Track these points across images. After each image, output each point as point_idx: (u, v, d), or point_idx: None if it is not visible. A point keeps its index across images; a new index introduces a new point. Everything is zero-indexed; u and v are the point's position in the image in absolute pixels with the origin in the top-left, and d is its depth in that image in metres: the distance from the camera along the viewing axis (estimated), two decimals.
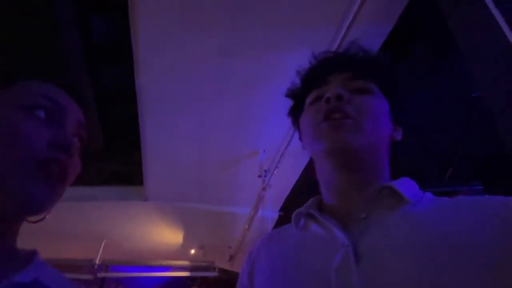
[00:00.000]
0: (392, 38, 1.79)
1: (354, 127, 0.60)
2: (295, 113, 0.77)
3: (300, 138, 0.75)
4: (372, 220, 0.56)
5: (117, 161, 3.36)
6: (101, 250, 4.09)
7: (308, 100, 0.70)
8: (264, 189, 2.59)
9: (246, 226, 3.26)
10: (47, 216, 0.56)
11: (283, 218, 3.23)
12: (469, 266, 0.45)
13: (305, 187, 2.70)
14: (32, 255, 0.54)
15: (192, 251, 4.38)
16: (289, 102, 0.80)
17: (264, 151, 2.53)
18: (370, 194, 0.59)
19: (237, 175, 2.85)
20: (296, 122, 0.77)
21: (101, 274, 4.52)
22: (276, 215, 3.21)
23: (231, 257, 3.92)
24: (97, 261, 4.21)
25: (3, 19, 1.85)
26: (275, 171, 2.52)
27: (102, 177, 3.41)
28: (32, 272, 0.50)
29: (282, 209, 3.24)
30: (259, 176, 2.54)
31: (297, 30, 1.80)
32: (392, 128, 0.67)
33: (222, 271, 4.62)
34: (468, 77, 1.47)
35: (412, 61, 1.78)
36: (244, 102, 2.20)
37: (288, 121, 0.83)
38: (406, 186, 0.60)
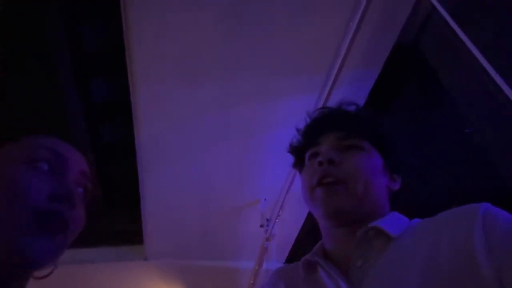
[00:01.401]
0: (382, 81, 1.87)
1: (344, 191, 0.65)
2: (298, 166, 0.82)
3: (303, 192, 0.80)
4: (367, 267, 0.59)
5: (116, 220, 3.30)
6: None
7: (307, 156, 0.76)
8: (267, 239, 2.52)
9: (252, 282, 3.12)
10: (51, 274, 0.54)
11: None
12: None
13: (310, 236, 2.64)
14: None
15: None
16: (288, 150, 0.85)
17: (265, 199, 2.50)
18: (360, 238, 0.62)
19: (239, 226, 2.80)
20: (300, 173, 0.82)
21: None
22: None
23: None
24: None
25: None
26: (277, 220, 2.48)
27: (100, 237, 3.32)
28: None
29: (287, 260, 3.12)
30: (261, 226, 2.49)
31: (291, 78, 1.89)
32: (388, 179, 0.72)
33: None
34: (458, 113, 1.52)
35: (402, 103, 1.84)
36: (243, 150, 2.23)
37: (287, 168, 0.87)
38: (390, 222, 0.64)
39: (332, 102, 1.84)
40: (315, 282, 0.66)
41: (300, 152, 0.79)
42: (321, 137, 0.73)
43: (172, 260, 3.23)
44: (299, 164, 0.81)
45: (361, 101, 1.97)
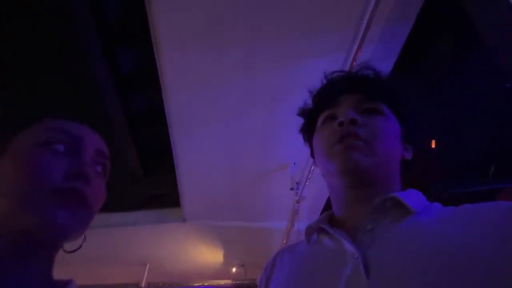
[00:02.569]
0: (414, 36, 1.75)
1: (365, 148, 0.62)
2: (307, 131, 0.79)
3: (312, 155, 0.78)
4: (378, 231, 0.57)
5: (154, 185, 3.47)
6: (145, 273, 4.20)
7: (320, 119, 0.72)
8: (297, 201, 2.57)
9: (284, 241, 3.22)
10: (84, 244, 0.58)
11: None
12: (471, 275, 0.45)
13: None
14: (67, 284, 0.55)
15: (234, 270, 4.38)
16: (298, 113, 0.82)
17: (294, 163, 2.52)
18: (375, 206, 0.60)
19: (270, 189, 2.85)
20: (308, 140, 0.79)
21: None
22: None
23: None
24: (142, 285, 4.31)
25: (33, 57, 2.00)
26: (307, 183, 2.50)
27: (141, 202, 3.52)
28: None
29: None
30: (291, 189, 2.53)
31: (317, 37, 1.81)
32: (402, 148, 0.69)
33: None
34: (498, 67, 1.41)
35: (436, 57, 1.73)
36: (271, 115, 2.22)
37: None
38: (410, 196, 0.61)
39: (361, 61, 1.78)
40: (318, 246, 0.65)
41: (313, 115, 0.75)
42: (339, 98, 0.69)
43: (208, 221, 3.38)
44: (309, 128, 0.76)
45: (393, 59, 1.87)
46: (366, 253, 0.54)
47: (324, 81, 0.77)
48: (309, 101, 0.79)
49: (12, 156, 0.53)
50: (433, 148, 2.03)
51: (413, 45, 1.76)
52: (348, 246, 0.56)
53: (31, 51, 2.00)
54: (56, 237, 0.52)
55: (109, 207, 3.17)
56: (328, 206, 2.99)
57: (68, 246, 0.57)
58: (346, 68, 1.80)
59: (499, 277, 0.44)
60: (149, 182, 3.41)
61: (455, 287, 0.45)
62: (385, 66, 1.89)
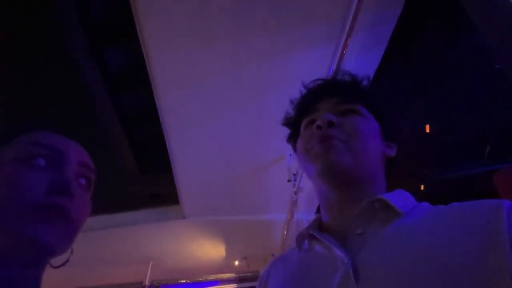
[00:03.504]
0: (403, 22, 1.75)
1: (343, 148, 0.63)
2: (293, 140, 0.80)
3: (299, 159, 0.79)
4: (367, 236, 0.57)
5: (152, 183, 3.47)
6: (149, 271, 4.22)
7: (302, 126, 0.74)
8: (295, 193, 2.58)
9: (285, 232, 3.25)
10: (71, 252, 0.56)
11: None
12: (454, 280, 0.46)
13: None
14: None
15: (236, 263, 4.42)
16: (282, 123, 0.84)
17: (290, 154, 2.52)
18: (364, 208, 0.60)
19: (267, 182, 2.86)
20: (294, 147, 0.80)
21: None
22: (312, 217, 3.17)
23: None
24: (146, 283, 4.33)
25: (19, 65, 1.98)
26: (303, 174, 2.51)
27: (140, 201, 3.52)
28: None
29: (318, 210, 3.20)
30: (288, 181, 2.54)
31: (306, 29, 1.81)
32: (384, 146, 0.70)
33: None
34: (487, 49, 1.41)
35: (426, 43, 1.73)
36: (264, 107, 2.22)
37: None
38: (398, 198, 0.62)
39: (350, 51, 1.79)
40: (309, 254, 0.65)
41: (295, 123, 0.77)
42: (318, 104, 0.72)
43: (208, 217, 3.39)
44: (294, 136, 0.78)
45: (382, 47, 1.87)
46: (355, 259, 0.54)
47: (303, 90, 0.79)
48: (291, 110, 0.81)
49: None
50: (427, 132, 2.04)
51: (402, 32, 1.76)
52: (338, 252, 0.57)
53: (16, 55, 1.98)
54: (39, 255, 0.51)
55: (108, 208, 3.18)
56: None
57: (56, 260, 0.55)
58: (337, 56, 1.80)
59: (479, 282, 0.45)
60: (147, 181, 3.42)
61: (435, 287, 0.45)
62: (375, 53, 1.90)
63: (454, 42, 1.60)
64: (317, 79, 0.79)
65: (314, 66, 1.87)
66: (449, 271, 0.46)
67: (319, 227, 0.68)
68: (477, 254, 0.46)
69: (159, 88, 1.99)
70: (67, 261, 0.56)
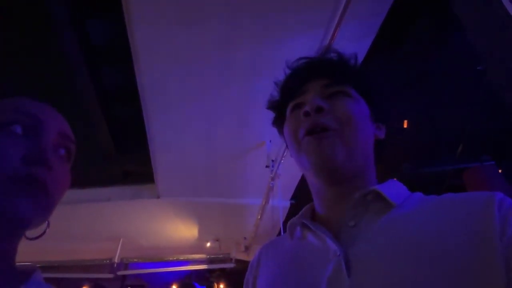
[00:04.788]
0: (392, 15, 1.76)
1: (336, 140, 0.60)
2: (278, 124, 0.76)
3: (287, 146, 0.75)
4: (361, 227, 0.57)
5: (128, 161, 3.41)
6: (119, 248, 4.18)
7: (288, 110, 0.70)
8: (272, 179, 2.60)
9: (259, 217, 3.28)
10: (48, 228, 0.55)
11: (295, 206, 3.25)
12: (446, 271, 0.46)
13: None
14: (30, 273, 0.52)
15: (208, 244, 4.44)
16: (266, 106, 0.80)
17: (270, 141, 2.53)
18: (356, 201, 0.59)
19: (245, 166, 2.86)
20: (280, 132, 0.77)
21: (121, 272, 4.62)
22: (287, 204, 3.21)
23: (247, 248, 3.97)
24: (116, 260, 4.30)
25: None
26: (282, 161, 2.53)
27: (114, 178, 3.46)
28: None
29: (293, 197, 3.24)
30: (266, 167, 2.55)
31: (296, 14, 1.78)
32: (374, 128, 0.68)
33: (239, 262, 4.67)
34: (472, 50, 1.44)
35: (414, 37, 1.75)
36: (247, 93, 2.19)
37: None
38: (391, 189, 0.60)
39: (339, 39, 1.79)
40: (301, 243, 0.64)
41: (281, 106, 0.73)
42: (305, 86, 0.67)
43: (183, 197, 3.37)
44: (279, 120, 0.74)
45: (371, 36, 1.87)
46: (348, 251, 0.54)
47: (288, 71, 0.75)
48: (276, 93, 0.76)
49: None
50: (405, 128, 2.09)
51: (391, 24, 1.77)
52: (331, 244, 0.56)
53: None
54: (15, 227, 0.49)
55: (82, 182, 3.10)
56: (302, 183, 3.06)
57: (31, 232, 0.53)
58: (325, 43, 1.80)
59: (472, 272, 0.45)
60: (123, 158, 3.35)
61: (432, 283, 0.46)
62: (363, 44, 1.90)
63: (441, 40, 1.63)
64: (303, 58, 0.74)
65: (302, 53, 1.85)
66: (441, 263, 0.47)
67: (312, 216, 0.67)
68: (469, 246, 0.47)
69: (141, 64, 1.92)
70: (43, 233, 0.55)
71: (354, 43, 1.91)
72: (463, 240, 0.48)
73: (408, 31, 1.78)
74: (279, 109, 0.74)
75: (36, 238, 0.54)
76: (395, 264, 0.49)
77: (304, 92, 0.67)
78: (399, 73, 1.83)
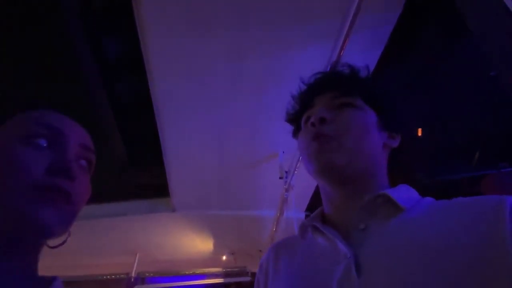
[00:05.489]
0: (401, 24, 1.76)
1: (336, 147, 0.64)
2: (296, 135, 0.81)
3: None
4: (370, 231, 0.59)
5: (143, 175, 3.44)
6: (136, 263, 4.20)
7: (302, 122, 0.75)
8: (286, 190, 2.59)
9: (274, 229, 3.26)
10: (70, 238, 0.56)
11: None
12: (458, 272, 0.46)
13: None
14: (51, 282, 0.54)
15: (224, 258, 4.42)
16: (285, 120, 0.85)
17: (283, 152, 2.52)
18: (366, 204, 0.61)
19: (259, 178, 2.86)
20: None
21: (138, 287, 4.63)
22: (302, 216, 3.19)
23: None
24: (133, 274, 4.31)
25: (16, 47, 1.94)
26: (295, 172, 2.51)
27: (129, 192, 3.50)
28: None
29: (308, 209, 3.21)
30: (280, 178, 2.54)
31: (305, 25, 1.80)
32: (386, 137, 0.70)
33: (255, 275, 4.63)
34: (484, 55, 1.43)
35: (424, 46, 1.74)
36: (260, 103, 2.20)
37: None
38: (401, 193, 0.62)
39: (349, 50, 1.80)
40: (312, 245, 0.66)
41: (297, 119, 0.78)
42: (315, 99, 0.73)
43: (198, 210, 3.38)
44: (297, 131, 0.79)
45: (380, 47, 1.88)
46: (358, 253, 0.55)
47: (303, 86, 0.80)
48: (291, 106, 0.82)
49: None
50: (419, 136, 2.06)
51: (400, 34, 1.77)
52: (342, 246, 0.57)
53: (12, 36, 1.93)
54: (39, 236, 0.50)
55: (98, 198, 3.14)
56: (316, 194, 3.04)
57: (52, 240, 0.55)
58: (335, 55, 1.81)
59: (480, 277, 0.45)
60: (137, 172, 3.38)
61: (442, 286, 0.46)
62: (373, 54, 1.90)
63: (452, 48, 1.61)
64: (316, 73, 0.79)
65: (313, 64, 1.86)
66: (450, 266, 0.47)
67: (322, 218, 0.69)
68: (479, 250, 0.47)
69: (154, 76, 1.96)
70: (64, 242, 0.56)
71: (365, 52, 1.92)
72: (474, 245, 0.48)
73: (418, 38, 1.77)
74: (295, 121, 0.80)
75: (58, 246, 0.56)
76: (405, 267, 0.50)
77: (314, 105, 0.73)
78: (411, 80, 1.82)
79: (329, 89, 0.72)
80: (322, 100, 0.72)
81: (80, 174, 0.55)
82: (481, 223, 0.50)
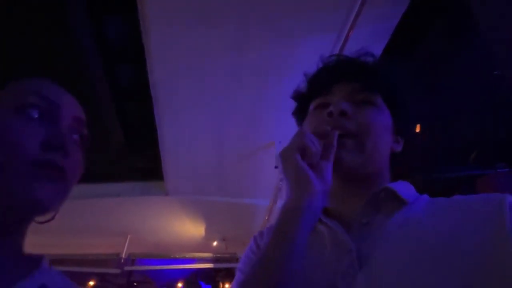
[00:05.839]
0: (407, 19, 1.74)
1: (354, 146, 0.61)
2: (299, 115, 0.77)
3: None
4: (373, 225, 0.58)
5: (138, 157, 3.44)
6: (126, 244, 4.22)
7: (312, 105, 0.70)
8: (281, 180, 2.59)
9: (266, 217, 3.28)
10: (60, 215, 0.55)
11: None
12: (458, 271, 0.46)
13: None
14: (39, 260, 0.53)
15: (215, 243, 4.46)
16: (291, 96, 0.79)
17: (279, 142, 2.52)
18: (370, 198, 0.60)
19: (254, 167, 2.86)
20: (299, 123, 0.77)
21: (127, 268, 4.67)
22: None
23: None
24: (123, 255, 4.34)
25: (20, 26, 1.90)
26: None
27: (124, 174, 3.49)
28: (38, 278, 0.49)
29: None
30: (275, 167, 2.54)
31: (307, 17, 1.78)
32: (393, 140, 0.68)
33: None
34: (489, 55, 1.42)
35: (428, 42, 1.72)
36: (257, 93, 2.19)
37: None
38: (403, 188, 0.62)
39: (352, 43, 1.77)
40: (315, 235, 0.63)
41: (306, 99, 0.73)
42: (334, 86, 0.67)
43: (191, 195, 3.39)
44: (301, 112, 0.74)
45: (384, 41, 1.86)
46: (361, 246, 0.55)
47: (320, 65, 0.73)
48: (303, 84, 0.75)
49: None
50: (417, 132, 2.06)
51: (405, 29, 1.75)
52: (345, 238, 0.57)
53: (13, 13, 1.89)
54: (33, 212, 0.50)
55: (92, 177, 3.14)
56: None
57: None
58: (337, 49, 1.79)
59: (486, 272, 0.45)
60: (133, 155, 3.38)
61: (445, 282, 0.46)
62: (375, 48, 1.89)
63: (456, 45, 1.60)
64: (336, 55, 0.74)
65: (315, 56, 1.84)
66: (453, 262, 0.47)
67: (324, 210, 0.67)
68: (481, 246, 0.47)
69: (153, 63, 1.93)
70: (52, 217, 0.55)
71: (367, 46, 1.90)
72: (476, 241, 0.48)
73: (422, 34, 1.75)
74: (303, 101, 0.74)
75: (45, 222, 0.55)
76: (407, 262, 0.50)
77: (332, 93, 0.67)
78: (412, 77, 1.81)
79: (352, 79, 0.67)
80: (342, 91, 0.66)
81: (73, 148, 0.53)
82: (483, 220, 0.50)
